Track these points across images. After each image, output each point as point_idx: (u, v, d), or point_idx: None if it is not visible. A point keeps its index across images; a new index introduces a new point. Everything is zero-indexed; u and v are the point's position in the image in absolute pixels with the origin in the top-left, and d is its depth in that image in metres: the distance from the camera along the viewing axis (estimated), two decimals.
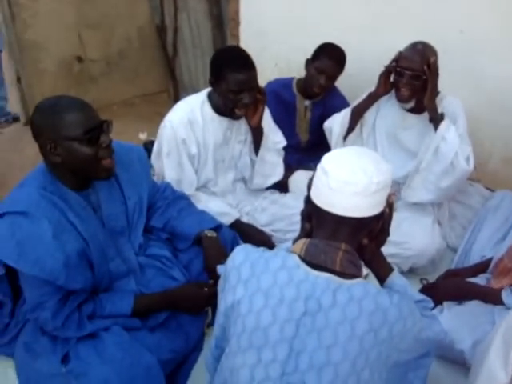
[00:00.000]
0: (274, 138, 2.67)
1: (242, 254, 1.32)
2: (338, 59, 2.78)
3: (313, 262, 1.24)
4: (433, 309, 1.68)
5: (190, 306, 1.93)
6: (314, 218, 1.35)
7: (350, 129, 2.70)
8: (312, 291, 1.21)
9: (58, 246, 1.61)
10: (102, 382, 1.59)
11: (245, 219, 2.60)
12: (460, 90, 2.69)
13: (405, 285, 1.46)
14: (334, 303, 1.19)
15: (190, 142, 2.41)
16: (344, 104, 2.92)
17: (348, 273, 1.23)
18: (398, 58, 2.41)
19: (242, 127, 2.53)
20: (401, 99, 2.48)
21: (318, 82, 2.80)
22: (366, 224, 1.29)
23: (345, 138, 2.72)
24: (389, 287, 1.45)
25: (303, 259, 1.26)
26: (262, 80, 3.17)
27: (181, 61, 4.71)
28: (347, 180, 1.23)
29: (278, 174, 2.73)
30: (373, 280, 1.50)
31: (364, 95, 2.69)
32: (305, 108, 3.00)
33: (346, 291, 1.20)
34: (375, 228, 1.33)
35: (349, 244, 1.27)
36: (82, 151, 1.63)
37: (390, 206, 1.36)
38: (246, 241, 2.36)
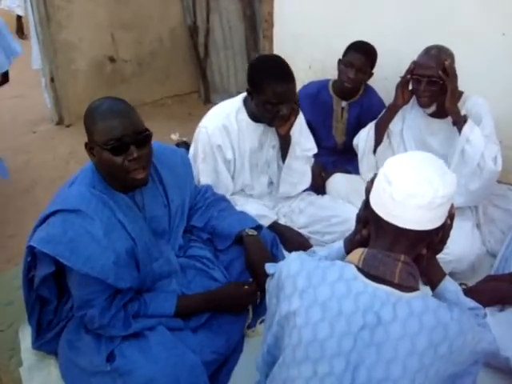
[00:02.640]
0: (306, 144, 2.64)
1: (298, 263, 1.30)
2: (366, 51, 2.79)
3: (371, 273, 1.22)
4: None
5: (231, 305, 1.93)
6: (373, 225, 1.32)
7: (378, 142, 2.71)
8: (370, 304, 1.18)
9: (108, 244, 1.64)
10: (148, 381, 1.59)
11: (282, 221, 2.60)
12: (501, 93, 2.66)
13: (457, 291, 1.43)
14: (394, 317, 1.16)
15: (225, 147, 2.40)
16: (381, 105, 2.90)
17: (406, 285, 1.21)
18: (414, 67, 2.42)
19: (275, 132, 2.51)
20: (422, 105, 2.49)
21: (346, 76, 2.80)
22: (426, 236, 1.26)
23: (374, 151, 2.74)
24: (441, 292, 1.43)
25: (361, 270, 1.23)
26: (297, 83, 3.18)
27: (212, 62, 4.74)
28: (412, 192, 1.19)
29: (305, 182, 2.70)
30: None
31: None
32: (341, 109, 3.00)
33: (405, 305, 1.17)
34: (435, 239, 1.30)
35: (407, 255, 1.24)
36: (108, 159, 1.63)
37: (451, 217, 1.32)
38: (284, 243, 2.36)
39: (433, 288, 1.46)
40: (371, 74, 2.88)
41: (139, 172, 1.67)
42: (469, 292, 2.16)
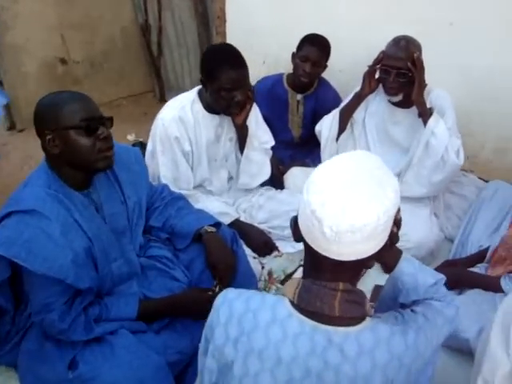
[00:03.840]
0: (262, 137, 2.66)
1: (226, 309, 1.16)
2: (320, 45, 2.80)
3: (308, 309, 1.09)
4: None
5: (194, 312, 1.90)
6: (306, 253, 1.15)
7: (341, 130, 2.72)
8: (311, 347, 1.07)
9: (65, 243, 1.60)
10: None
11: (242, 217, 2.59)
12: (449, 82, 2.71)
13: (414, 273, 1.28)
14: (342, 359, 1.05)
15: (182, 139, 2.39)
16: (335, 97, 2.93)
17: (350, 316, 1.08)
18: (383, 57, 2.43)
19: (231, 124, 2.51)
20: (389, 93, 2.50)
21: (303, 70, 2.81)
22: (369, 258, 1.10)
23: (337, 139, 2.74)
24: (397, 277, 1.30)
25: (296, 305, 1.11)
26: (251, 78, 3.17)
27: (166, 60, 4.67)
28: (347, 229, 1.01)
29: (265, 173, 2.71)
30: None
31: (351, 95, 2.70)
32: (297, 102, 3.01)
33: (353, 341, 1.06)
34: (380, 255, 1.12)
35: (350, 282, 1.11)
36: (79, 141, 1.63)
37: (397, 224, 1.17)
38: (246, 241, 2.36)
39: (388, 271, 1.34)
40: (326, 67, 2.89)
41: (109, 151, 1.69)
42: None
